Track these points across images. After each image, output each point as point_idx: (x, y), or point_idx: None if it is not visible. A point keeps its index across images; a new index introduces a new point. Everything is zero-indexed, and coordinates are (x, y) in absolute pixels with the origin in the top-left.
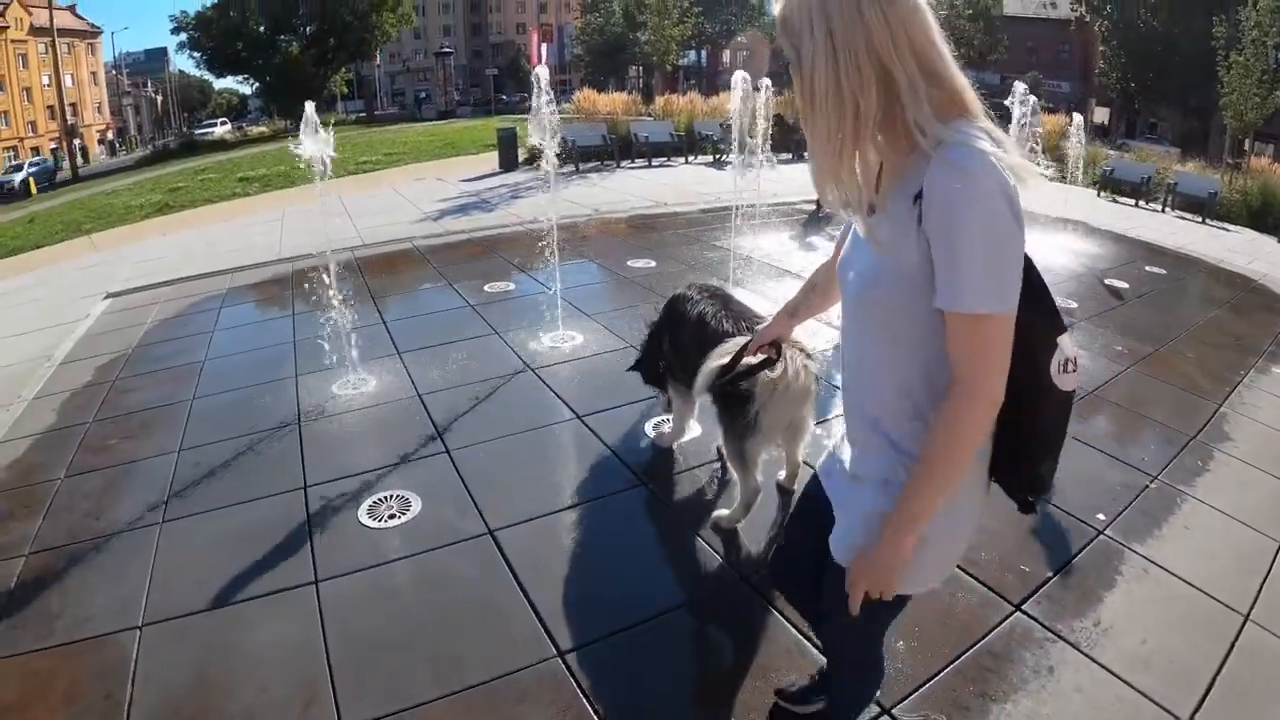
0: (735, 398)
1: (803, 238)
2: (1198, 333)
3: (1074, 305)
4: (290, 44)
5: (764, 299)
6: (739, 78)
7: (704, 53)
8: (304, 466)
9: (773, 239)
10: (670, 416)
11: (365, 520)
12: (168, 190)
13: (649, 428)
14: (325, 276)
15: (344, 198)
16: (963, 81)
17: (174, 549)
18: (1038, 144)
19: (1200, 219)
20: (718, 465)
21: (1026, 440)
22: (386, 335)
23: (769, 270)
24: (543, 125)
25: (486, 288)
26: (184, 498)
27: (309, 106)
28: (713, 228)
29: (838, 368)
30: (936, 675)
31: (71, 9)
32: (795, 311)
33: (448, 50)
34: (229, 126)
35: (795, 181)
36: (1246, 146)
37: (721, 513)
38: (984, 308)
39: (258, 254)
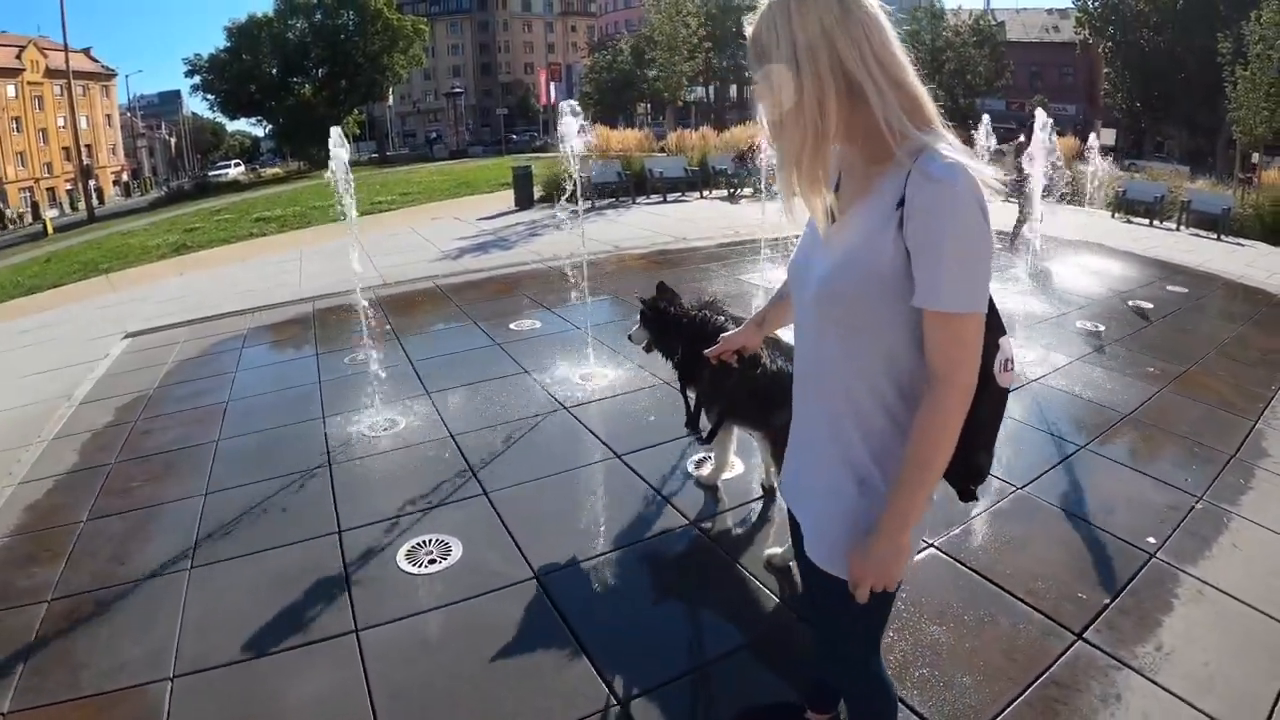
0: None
1: None
2: (1226, 350)
3: (1101, 328)
4: (302, 86)
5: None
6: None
7: (712, 88)
8: (337, 509)
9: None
10: (710, 454)
11: (405, 565)
12: (184, 230)
13: (690, 465)
14: (349, 316)
15: (362, 237)
16: (923, 90)
17: (205, 596)
18: (1058, 164)
19: (1215, 235)
20: (761, 503)
21: (969, 431)
22: (414, 375)
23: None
24: (571, 157)
25: (512, 326)
26: (213, 542)
27: (335, 131)
28: (734, 261)
29: None
30: (1005, 709)
31: (87, 52)
32: (764, 321)
33: (458, 90)
34: (242, 168)
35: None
36: (1255, 160)
37: (774, 551)
38: (963, 308)
39: (278, 294)
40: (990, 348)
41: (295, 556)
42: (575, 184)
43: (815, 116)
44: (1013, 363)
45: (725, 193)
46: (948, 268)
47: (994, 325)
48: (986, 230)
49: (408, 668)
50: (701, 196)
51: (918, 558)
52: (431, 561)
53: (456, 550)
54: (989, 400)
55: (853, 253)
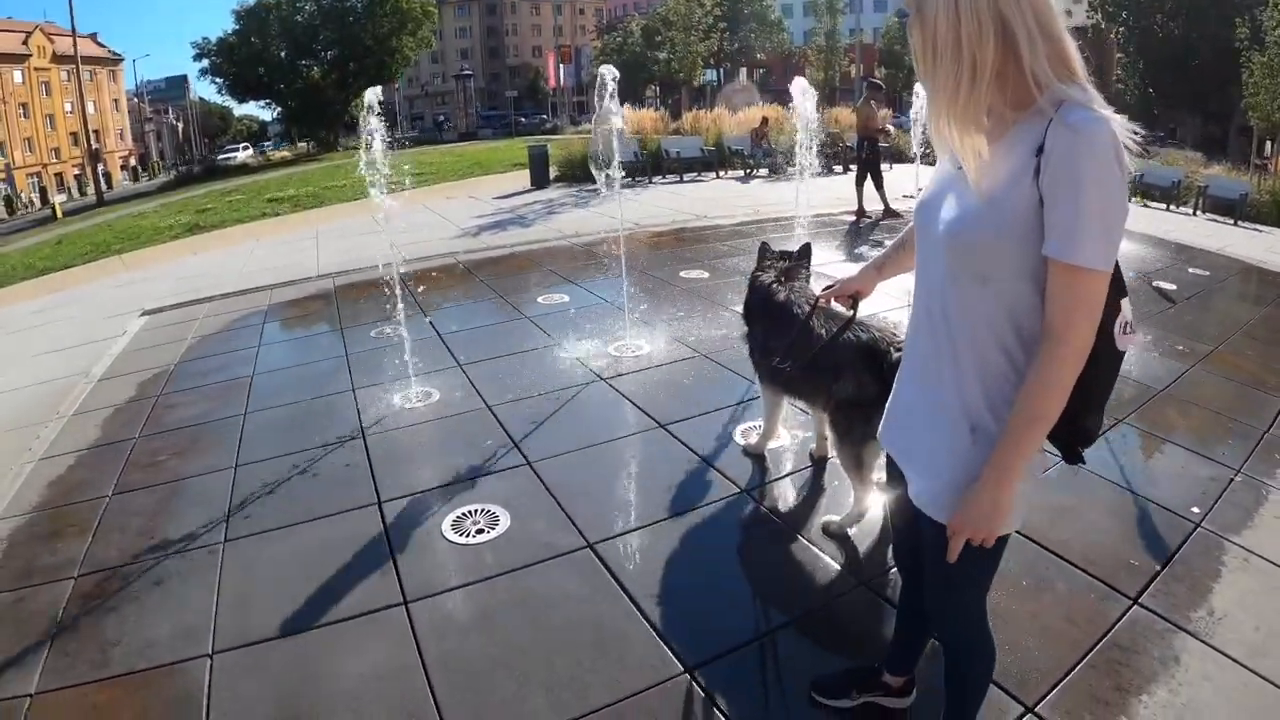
0: (856, 404)
1: (848, 248)
2: (1252, 330)
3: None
4: (311, 69)
5: None
6: (800, 85)
7: (722, 71)
8: (375, 481)
9: (818, 250)
10: (759, 423)
11: (451, 536)
12: (196, 211)
13: (738, 435)
14: (371, 291)
15: (377, 216)
16: (1071, 42)
17: (241, 569)
18: None
19: (1232, 221)
20: (811, 471)
21: (1081, 392)
22: (444, 347)
23: (826, 279)
24: (610, 130)
25: (540, 299)
26: (246, 515)
27: (369, 94)
28: (756, 239)
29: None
30: (1071, 671)
31: (93, 37)
32: (883, 267)
33: (468, 73)
34: (251, 151)
35: (829, 194)
36: (1269, 148)
37: (832, 518)
38: (1094, 264)
39: (296, 271)
40: (1112, 308)
41: (335, 529)
42: (615, 156)
43: (973, 59)
44: (1133, 326)
45: (741, 173)
46: (1084, 221)
47: (1118, 284)
48: (1124, 186)
49: (463, 640)
50: (718, 176)
51: None
52: (479, 532)
53: (504, 520)
54: (1105, 362)
55: (989, 199)
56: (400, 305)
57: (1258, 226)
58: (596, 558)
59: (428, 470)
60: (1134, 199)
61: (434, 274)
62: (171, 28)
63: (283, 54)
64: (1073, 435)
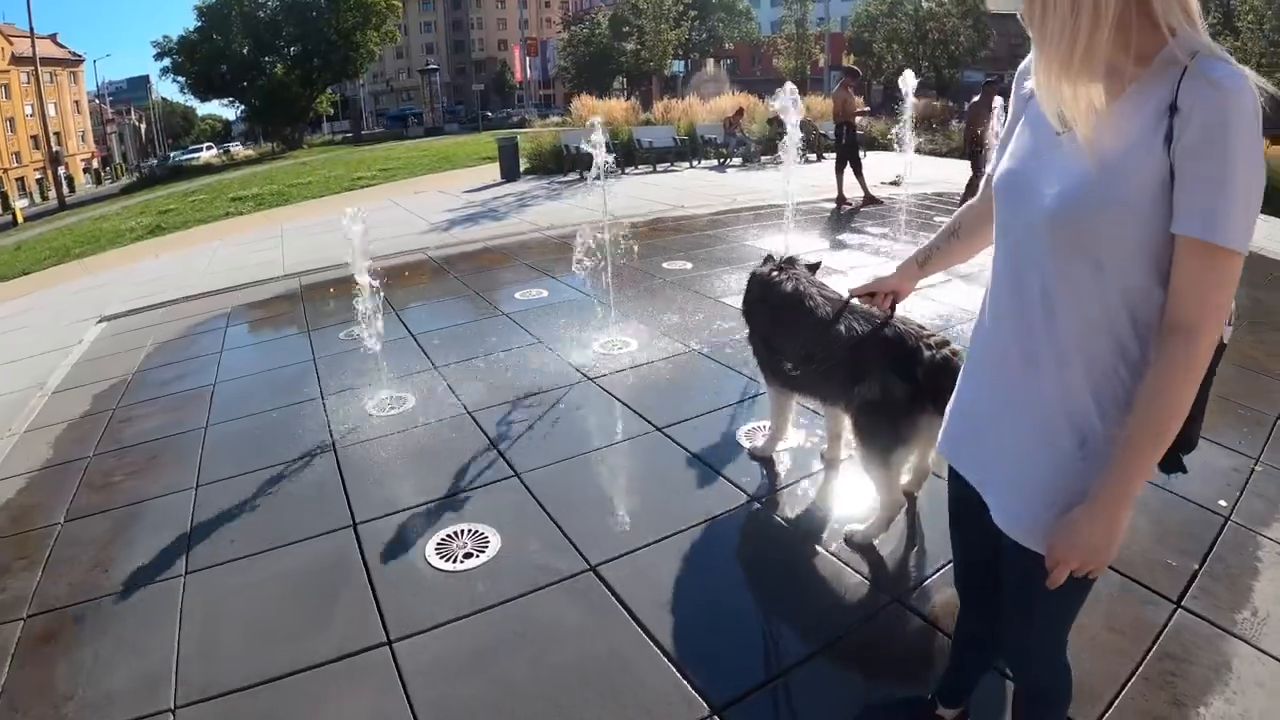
0: (883, 407)
1: (831, 235)
2: (1249, 316)
3: None
4: (274, 65)
5: None
6: (788, 88)
7: (688, 61)
8: (349, 499)
9: (800, 237)
10: (765, 423)
11: (436, 561)
12: (158, 213)
13: (741, 437)
14: (338, 290)
15: (344, 213)
16: None
17: (204, 607)
18: None
19: None
20: (824, 475)
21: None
22: (418, 348)
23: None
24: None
25: (517, 295)
26: (209, 542)
27: None
28: (735, 228)
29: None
30: (1125, 686)
31: (53, 38)
32: (927, 260)
33: (433, 67)
34: (215, 151)
35: (806, 181)
36: None
37: (856, 527)
38: (1238, 245)
39: (261, 271)
40: None
41: (306, 556)
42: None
43: (1090, 2)
44: (1234, 315)
45: (715, 162)
46: (1232, 196)
47: None
48: (1262, 154)
49: (455, 684)
50: (691, 166)
51: None
52: (467, 556)
53: (494, 541)
54: (1215, 357)
55: (1107, 166)
56: (371, 304)
57: None
58: (600, 581)
59: (406, 486)
60: None
61: (405, 270)
62: (133, 27)
63: (245, 51)
64: (1182, 439)
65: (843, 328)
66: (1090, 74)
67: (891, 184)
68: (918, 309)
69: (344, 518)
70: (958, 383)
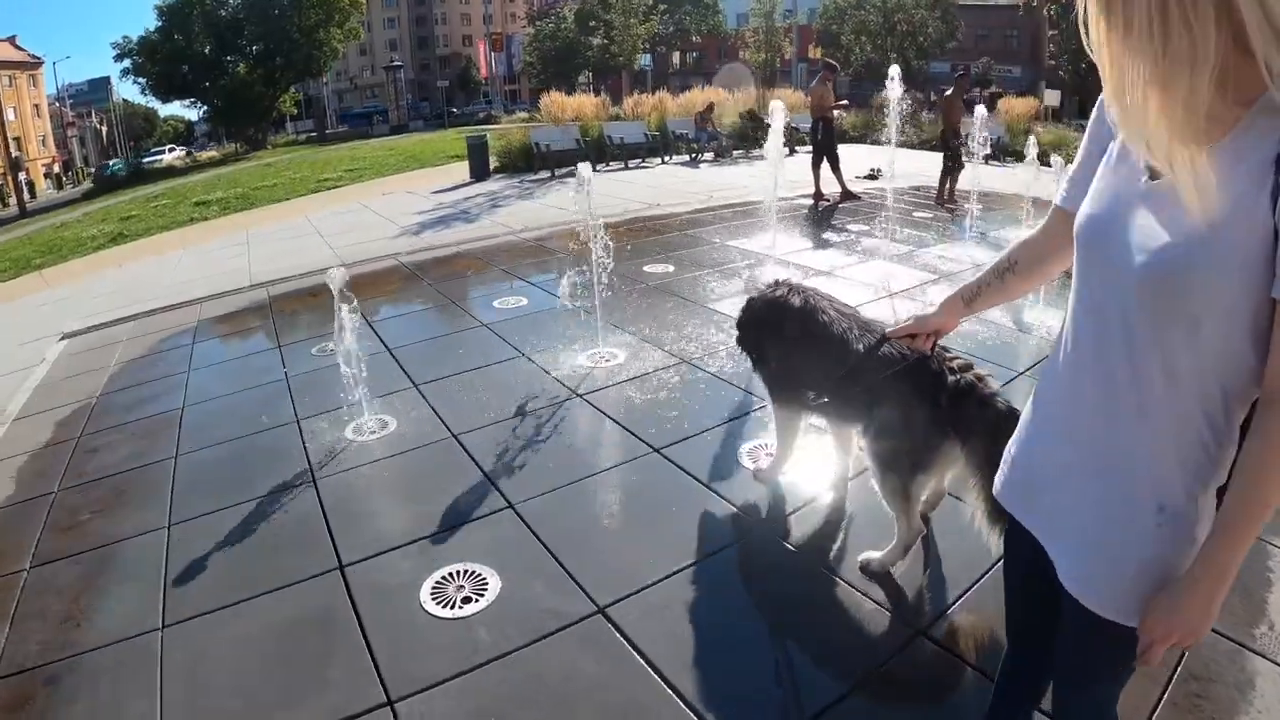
0: (906, 429)
1: (813, 232)
2: None
3: None
4: (237, 65)
5: None
6: (778, 106)
7: (654, 55)
8: (333, 538)
9: (782, 236)
10: (766, 441)
11: (433, 608)
12: (120, 220)
13: (743, 456)
14: (309, 301)
15: (310, 216)
16: None
17: (185, 665)
18: None
19: None
20: (833, 496)
21: None
22: (395, 365)
23: (797, 271)
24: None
25: (496, 304)
26: (186, 591)
27: None
28: (714, 227)
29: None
30: (1154, 712)
31: (11, 40)
32: (975, 298)
33: (398, 64)
34: (178, 153)
35: (781, 177)
36: None
37: (872, 555)
38: None
39: (227, 280)
40: None
41: (292, 604)
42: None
43: (1181, 35)
44: None
45: (687, 157)
46: None
47: None
48: None
49: None
50: (663, 161)
51: None
52: (466, 601)
53: (494, 583)
54: None
55: (1208, 225)
56: (343, 316)
57: None
58: (611, 625)
59: (394, 521)
60: None
61: (377, 278)
62: (93, 28)
63: (207, 50)
64: None
65: (877, 353)
66: (1191, 126)
67: (868, 178)
68: (904, 310)
69: (330, 559)
70: (1022, 427)
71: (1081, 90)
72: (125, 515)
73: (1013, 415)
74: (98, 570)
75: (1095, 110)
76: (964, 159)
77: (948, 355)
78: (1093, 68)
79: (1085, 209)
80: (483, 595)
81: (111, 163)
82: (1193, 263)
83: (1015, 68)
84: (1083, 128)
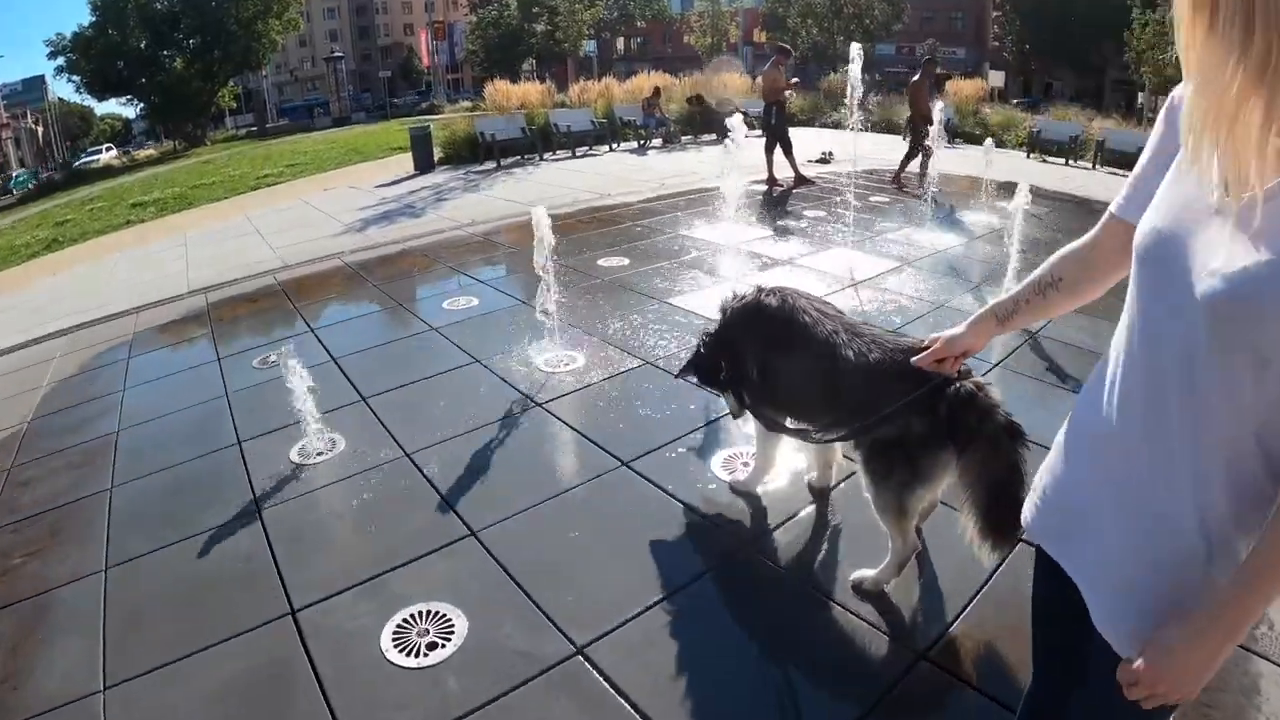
0: (899, 444)
1: (769, 220)
2: None
3: None
4: (174, 59)
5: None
6: (737, 120)
7: (599, 41)
8: (282, 578)
9: (739, 224)
10: (741, 450)
11: (395, 656)
12: (55, 225)
13: (717, 467)
14: (249, 307)
15: (250, 215)
16: None
17: None
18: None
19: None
20: (815, 509)
21: None
22: (341, 376)
23: (756, 261)
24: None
25: (445, 305)
26: (128, 645)
27: None
28: (668, 216)
29: None
30: None
31: None
32: (1011, 316)
33: (338, 54)
34: (115, 152)
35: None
36: (1157, 101)
37: (864, 574)
38: None
39: (165, 287)
40: None
41: (242, 657)
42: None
43: (1266, 37)
44: None
45: (635, 144)
46: None
47: None
48: None
49: None
50: (611, 149)
51: None
52: (431, 646)
53: (460, 624)
54: None
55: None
56: (285, 323)
57: None
58: (591, 667)
59: (347, 555)
60: (1033, 154)
61: (320, 280)
62: (25, 25)
63: (143, 45)
64: None
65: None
66: (1263, 138)
67: (820, 161)
68: (867, 298)
69: (280, 603)
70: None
71: (1025, 71)
72: (61, 557)
73: (1014, 429)
74: (34, 622)
75: (1162, 112)
76: (931, 145)
77: None
78: (1035, 49)
79: (1149, 221)
80: (449, 639)
81: (16, 174)
82: (1271, 292)
83: (960, 49)
84: (1028, 107)
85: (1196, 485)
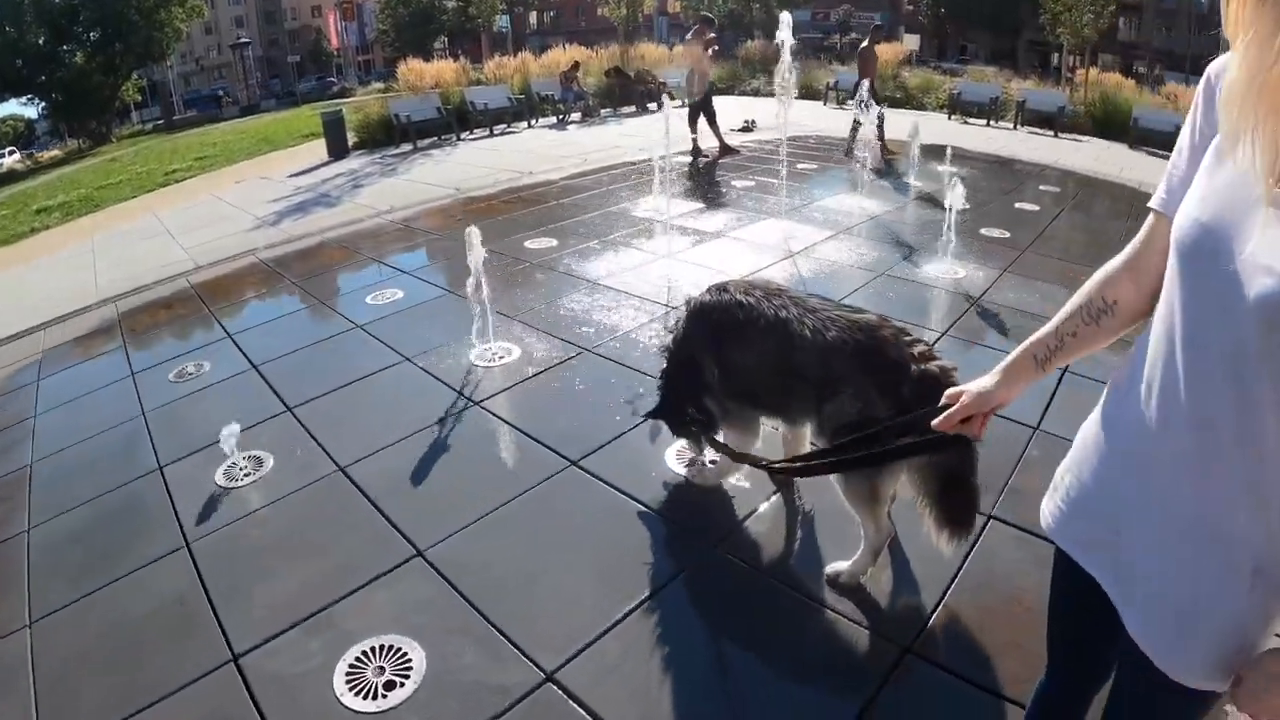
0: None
1: (698, 192)
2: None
3: (1008, 235)
4: (74, 54)
5: (710, 271)
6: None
7: (511, 16)
8: (219, 620)
9: (666, 198)
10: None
11: (350, 701)
12: None
13: (671, 460)
14: (161, 314)
15: (159, 214)
16: None
17: None
18: None
19: (1052, 133)
20: (779, 499)
21: None
22: (264, 384)
23: (692, 235)
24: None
25: (369, 299)
26: (60, 713)
27: None
28: (594, 193)
29: None
30: None
31: None
32: (1053, 355)
33: (245, 40)
34: (18, 155)
35: (656, 134)
36: (1081, 62)
37: (839, 567)
38: None
39: (72, 299)
40: None
41: (183, 716)
42: None
43: None
44: None
45: (554, 119)
46: None
47: None
48: None
49: None
50: (529, 125)
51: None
52: (389, 686)
53: (417, 658)
54: None
55: None
56: (200, 329)
57: (1076, 137)
58: (564, 694)
59: (286, 588)
60: (954, 116)
61: (235, 280)
62: None
63: (41, 41)
64: None
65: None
66: None
67: (743, 130)
68: (805, 267)
69: (221, 650)
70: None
71: (939, 34)
72: None
73: None
74: None
75: (1199, 90)
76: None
77: (908, 339)
78: (950, 12)
79: (1190, 213)
80: (407, 676)
81: None
82: None
83: (875, 14)
84: (944, 70)
85: (1244, 504)
